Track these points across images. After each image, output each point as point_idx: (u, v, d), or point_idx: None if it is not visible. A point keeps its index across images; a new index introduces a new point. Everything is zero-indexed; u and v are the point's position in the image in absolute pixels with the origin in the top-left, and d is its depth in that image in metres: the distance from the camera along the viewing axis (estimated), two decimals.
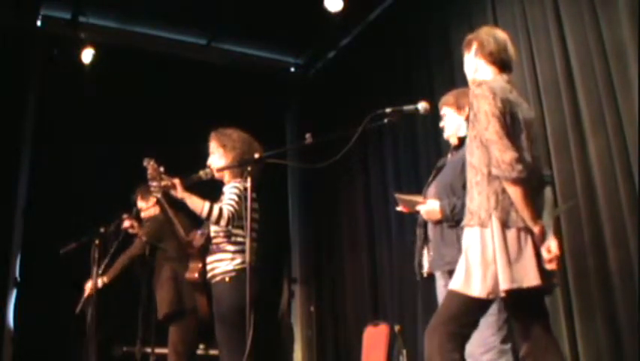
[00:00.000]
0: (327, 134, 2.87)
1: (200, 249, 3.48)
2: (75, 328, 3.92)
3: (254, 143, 3.53)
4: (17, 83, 5.87)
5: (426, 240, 3.09)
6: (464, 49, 2.63)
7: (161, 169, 3.32)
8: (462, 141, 3.06)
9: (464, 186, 2.88)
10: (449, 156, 3.15)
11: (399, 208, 3.19)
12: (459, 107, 3.10)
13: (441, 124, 3.18)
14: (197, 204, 3.29)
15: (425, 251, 3.08)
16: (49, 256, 4.31)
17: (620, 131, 3.59)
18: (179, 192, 3.30)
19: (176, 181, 3.30)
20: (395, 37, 5.84)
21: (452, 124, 3.12)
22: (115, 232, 4.17)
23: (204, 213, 3.27)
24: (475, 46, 2.54)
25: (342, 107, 6.47)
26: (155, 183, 3.28)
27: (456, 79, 4.43)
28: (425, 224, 3.08)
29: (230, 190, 3.38)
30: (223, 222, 3.26)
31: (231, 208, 3.28)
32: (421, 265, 3.10)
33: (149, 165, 3.30)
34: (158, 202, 3.36)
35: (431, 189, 3.08)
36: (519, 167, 2.21)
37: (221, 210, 3.27)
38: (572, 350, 3.70)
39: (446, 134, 3.17)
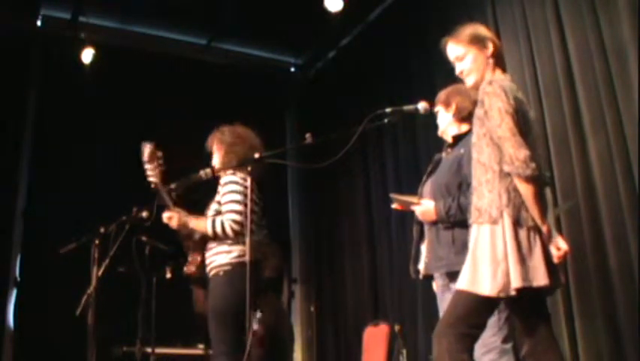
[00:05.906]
0: (327, 134, 2.86)
1: (199, 242, 3.41)
2: (75, 328, 3.90)
3: (255, 140, 3.47)
4: (17, 83, 5.87)
5: (422, 236, 3.08)
6: (472, 45, 2.51)
7: (159, 154, 3.31)
8: (456, 139, 3.06)
9: (460, 186, 2.88)
10: (444, 153, 3.14)
11: (394, 206, 3.19)
12: (447, 105, 3.09)
13: (437, 121, 3.18)
14: (201, 226, 3.28)
15: (422, 247, 3.07)
16: (49, 256, 4.30)
17: (620, 131, 3.59)
18: (177, 222, 3.30)
19: (173, 214, 3.29)
20: (395, 37, 5.84)
21: (442, 121, 3.12)
22: (116, 233, 4.15)
23: (210, 234, 3.25)
24: (491, 47, 2.48)
25: (342, 107, 6.47)
26: (149, 167, 3.26)
27: (456, 79, 4.42)
28: (421, 221, 3.07)
29: (228, 189, 3.29)
30: (231, 236, 3.22)
31: (234, 218, 3.21)
32: (416, 261, 3.09)
33: (146, 147, 3.30)
34: (156, 189, 3.33)
35: (426, 189, 3.07)
36: (533, 164, 2.21)
37: (223, 227, 3.21)
38: (572, 350, 3.70)
39: (439, 132, 3.17)
